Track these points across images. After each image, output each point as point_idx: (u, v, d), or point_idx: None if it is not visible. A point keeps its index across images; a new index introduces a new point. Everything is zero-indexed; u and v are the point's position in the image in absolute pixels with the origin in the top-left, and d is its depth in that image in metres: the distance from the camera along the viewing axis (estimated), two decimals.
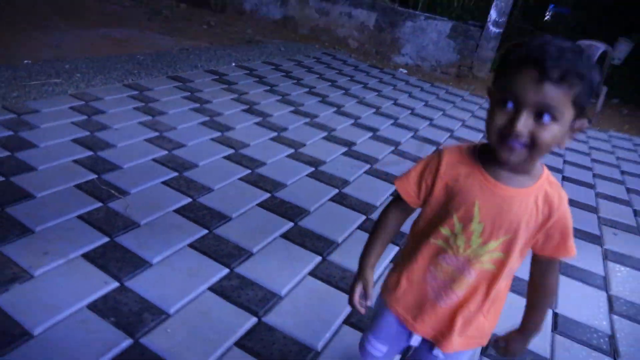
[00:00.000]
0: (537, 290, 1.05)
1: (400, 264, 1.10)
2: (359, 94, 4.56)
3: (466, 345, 1.06)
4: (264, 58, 5.19)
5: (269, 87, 4.21)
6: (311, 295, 1.77)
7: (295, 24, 7.07)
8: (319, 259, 2.00)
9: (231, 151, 2.86)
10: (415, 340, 1.12)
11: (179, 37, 5.58)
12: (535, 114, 0.81)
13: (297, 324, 1.61)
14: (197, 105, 3.46)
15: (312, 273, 1.91)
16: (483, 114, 4.87)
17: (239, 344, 1.51)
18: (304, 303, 1.72)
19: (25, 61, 3.72)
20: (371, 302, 1.14)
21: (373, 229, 1.12)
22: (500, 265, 0.97)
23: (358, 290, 1.11)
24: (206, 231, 2.02)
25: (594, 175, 3.74)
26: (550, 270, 1.02)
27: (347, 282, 1.86)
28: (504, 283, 1.02)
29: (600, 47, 5.96)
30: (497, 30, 6.06)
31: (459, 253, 0.98)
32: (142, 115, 3.11)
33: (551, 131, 0.81)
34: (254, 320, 1.61)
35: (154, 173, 2.41)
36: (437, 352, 1.09)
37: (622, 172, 3.96)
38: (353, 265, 1.80)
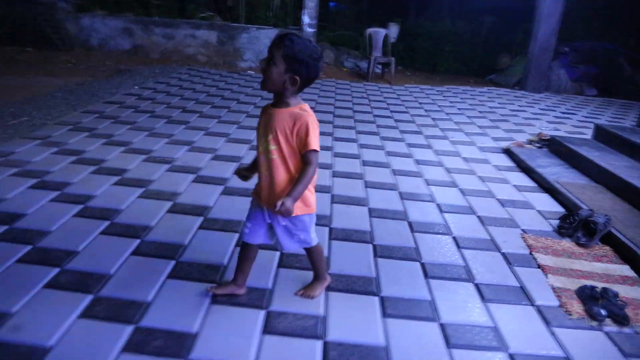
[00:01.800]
0: (300, 172, 1.69)
1: None
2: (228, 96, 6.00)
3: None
4: (153, 79, 6.23)
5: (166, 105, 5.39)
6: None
7: (146, 51, 8.06)
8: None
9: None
10: (268, 216, 1.78)
11: (61, 76, 6.24)
12: (268, 62, 1.62)
13: None
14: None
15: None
16: (326, 85, 6.74)
17: None
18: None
19: None
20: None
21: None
22: (279, 153, 1.67)
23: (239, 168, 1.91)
24: None
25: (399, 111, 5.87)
26: (305, 161, 1.68)
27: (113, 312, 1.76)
28: (282, 168, 1.69)
29: (381, 31, 8.39)
30: (312, 30, 8.05)
31: (260, 151, 1.71)
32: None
33: (271, 71, 1.60)
34: None
35: None
36: (274, 218, 1.76)
37: (421, 104, 6.21)
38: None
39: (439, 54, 10.69)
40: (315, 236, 1.89)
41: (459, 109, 6.29)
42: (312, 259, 1.97)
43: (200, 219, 2.59)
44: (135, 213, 2.59)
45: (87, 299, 1.84)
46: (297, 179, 1.67)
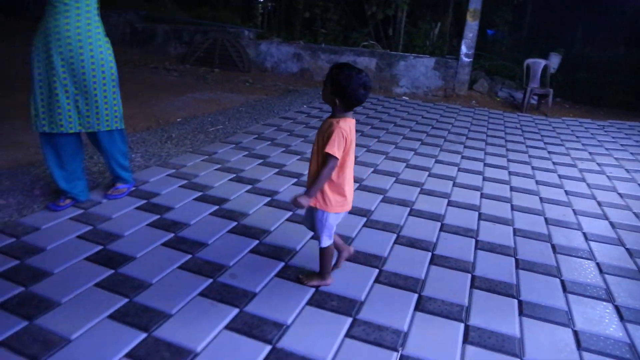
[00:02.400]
0: (318, 172, 2.04)
1: None
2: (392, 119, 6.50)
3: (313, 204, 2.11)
4: (319, 100, 7.05)
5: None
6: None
7: (311, 74, 9.03)
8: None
9: None
10: None
11: (242, 93, 7.39)
12: (324, 83, 2.06)
13: None
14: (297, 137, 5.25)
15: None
16: (478, 114, 6.92)
17: None
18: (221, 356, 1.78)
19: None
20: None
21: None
22: (315, 150, 2.08)
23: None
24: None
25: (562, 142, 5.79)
26: (322, 162, 2.02)
27: (262, 330, 1.93)
28: (314, 164, 2.08)
29: (541, 62, 8.27)
30: (468, 60, 8.26)
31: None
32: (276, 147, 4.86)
33: (324, 91, 2.04)
34: None
35: None
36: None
37: (578, 137, 6.06)
38: (273, 315, 2.01)
39: (604, 85, 10.07)
40: (328, 239, 2.16)
41: (621, 145, 6.01)
42: (320, 257, 2.22)
43: (391, 236, 3.07)
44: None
45: (234, 311, 2.05)
46: (316, 178, 2.02)
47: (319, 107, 6.56)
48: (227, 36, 9.34)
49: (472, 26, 8.09)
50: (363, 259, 2.55)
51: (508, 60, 10.39)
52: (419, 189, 3.71)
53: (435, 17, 9.78)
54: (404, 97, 8.25)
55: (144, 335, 1.85)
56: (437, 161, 4.50)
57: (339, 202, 2.11)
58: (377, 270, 2.44)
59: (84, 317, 1.91)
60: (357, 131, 5.37)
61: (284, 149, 4.51)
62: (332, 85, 1.99)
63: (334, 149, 1.96)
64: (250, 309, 2.06)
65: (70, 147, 2.91)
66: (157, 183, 3.39)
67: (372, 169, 4.14)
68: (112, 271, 2.26)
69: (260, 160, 4.10)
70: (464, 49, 8.20)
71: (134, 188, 3.23)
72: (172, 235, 2.66)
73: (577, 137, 6.28)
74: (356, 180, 3.83)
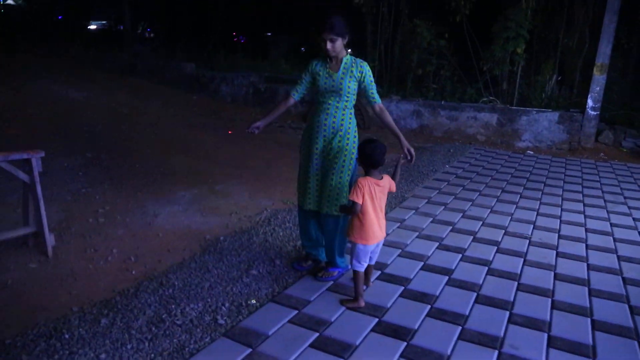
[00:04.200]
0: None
1: None
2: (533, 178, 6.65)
3: None
4: (456, 158, 7.35)
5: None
6: None
7: (430, 130, 9.40)
8: None
9: None
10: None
11: None
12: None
13: None
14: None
15: None
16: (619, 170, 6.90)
17: None
18: None
19: None
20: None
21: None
22: None
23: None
24: None
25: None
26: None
27: None
28: None
29: None
30: (594, 113, 8.30)
31: None
32: None
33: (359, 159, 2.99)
34: None
35: None
36: None
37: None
38: None
39: None
40: (359, 265, 2.89)
41: None
42: (354, 280, 2.94)
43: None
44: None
45: None
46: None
47: (461, 167, 6.85)
48: None
49: (599, 80, 8.17)
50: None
51: (620, 107, 10.24)
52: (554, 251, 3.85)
53: (548, 70, 9.90)
54: (528, 152, 8.37)
55: None
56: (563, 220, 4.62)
57: (364, 237, 2.85)
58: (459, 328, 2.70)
59: None
60: (496, 188, 5.41)
61: (458, 214, 4.81)
62: (360, 155, 2.93)
63: (354, 195, 2.78)
64: None
65: (317, 221, 3.38)
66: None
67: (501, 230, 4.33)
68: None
69: (449, 227, 4.41)
70: (590, 102, 8.26)
71: (344, 272, 3.35)
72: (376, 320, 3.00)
73: None
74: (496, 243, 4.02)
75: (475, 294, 3.17)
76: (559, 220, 4.72)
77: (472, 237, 4.20)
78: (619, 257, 3.89)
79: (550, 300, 3.13)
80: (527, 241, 4.15)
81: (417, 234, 4.23)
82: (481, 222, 4.58)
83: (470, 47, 10.21)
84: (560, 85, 10.20)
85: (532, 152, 8.32)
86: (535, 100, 9.48)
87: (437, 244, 4.01)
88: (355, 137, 3.21)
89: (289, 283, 3.28)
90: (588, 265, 3.72)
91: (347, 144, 3.15)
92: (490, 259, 3.75)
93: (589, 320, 2.92)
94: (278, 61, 12.61)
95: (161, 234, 4.04)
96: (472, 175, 6.40)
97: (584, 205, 5.29)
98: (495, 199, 5.35)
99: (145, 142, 7.05)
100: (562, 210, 5.07)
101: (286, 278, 3.34)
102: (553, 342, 2.67)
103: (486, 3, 10.49)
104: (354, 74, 3.12)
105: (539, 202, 5.33)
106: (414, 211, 4.85)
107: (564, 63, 10.34)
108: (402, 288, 3.22)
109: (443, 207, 5.03)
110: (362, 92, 3.23)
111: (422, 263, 3.63)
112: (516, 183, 6.10)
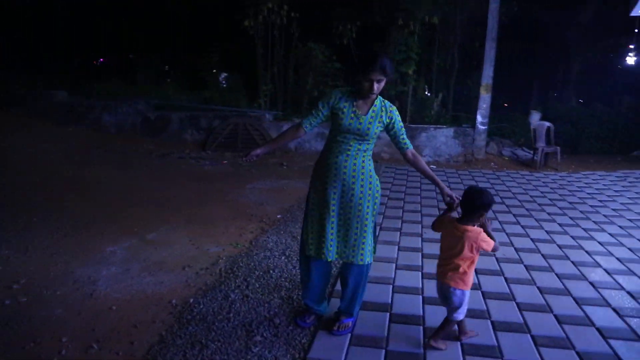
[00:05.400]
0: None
1: None
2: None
3: None
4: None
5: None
6: None
7: None
8: None
9: None
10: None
11: (293, 179, 7.58)
12: None
13: None
14: None
15: None
16: (505, 176, 7.59)
17: None
18: None
19: None
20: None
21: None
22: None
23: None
24: None
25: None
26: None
27: None
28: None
29: (545, 124, 9.26)
30: (483, 128, 9.10)
31: None
32: None
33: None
34: None
35: None
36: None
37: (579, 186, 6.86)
38: None
39: (580, 135, 11.44)
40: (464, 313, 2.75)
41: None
42: (444, 325, 2.78)
43: None
44: None
45: None
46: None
47: (387, 187, 6.91)
48: (248, 120, 9.57)
49: (485, 98, 8.98)
50: None
51: (491, 121, 11.45)
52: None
53: (436, 88, 10.67)
54: (431, 166, 8.83)
55: None
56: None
57: (470, 283, 2.73)
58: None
59: None
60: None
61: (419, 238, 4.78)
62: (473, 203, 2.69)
63: (490, 240, 2.67)
64: None
65: (323, 272, 3.03)
66: None
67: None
68: None
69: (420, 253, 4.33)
70: (479, 118, 9.03)
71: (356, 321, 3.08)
72: None
73: (616, 191, 7.09)
74: None
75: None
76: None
77: None
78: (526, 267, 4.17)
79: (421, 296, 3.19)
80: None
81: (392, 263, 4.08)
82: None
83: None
84: (443, 103, 11.04)
85: (434, 167, 8.80)
86: (427, 117, 10.10)
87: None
88: (377, 180, 2.92)
89: (304, 345, 2.86)
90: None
91: (371, 188, 2.85)
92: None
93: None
94: (165, 86, 11.64)
95: (114, 307, 3.28)
96: (402, 196, 6.50)
97: (515, 215, 5.66)
98: None
99: (30, 187, 5.89)
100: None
101: (298, 339, 2.91)
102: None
103: (370, 27, 10.98)
104: (382, 119, 2.82)
105: None
106: None
107: (438, 82, 11.24)
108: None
109: (398, 232, 4.97)
110: (391, 138, 2.93)
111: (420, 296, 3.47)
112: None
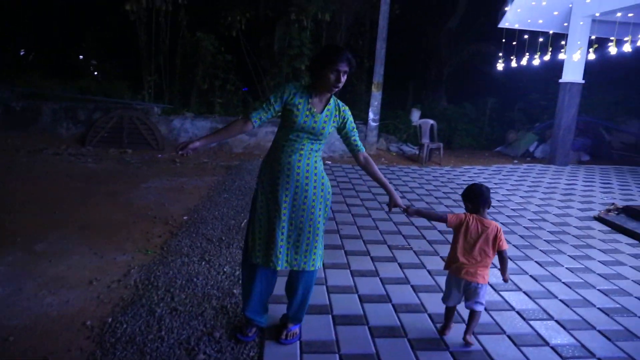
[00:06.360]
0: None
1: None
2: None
3: None
4: None
5: None
6: None
7: (230, 147, 9.10)
8: None
9: None
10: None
11: (189, 176, 7.15)
12: None
13: None
14: None
15: None
16: (399, 171, 8.01)
17: None
18: None
19: None
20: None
21: None
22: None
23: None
24: None
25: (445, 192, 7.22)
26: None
27: None
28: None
29: (429, 121, 9.92)
30: (375, 124, 9.44)
31: None
32: None
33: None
34: None
35: None
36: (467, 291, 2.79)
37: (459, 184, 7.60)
38: None
39: (453, 132, 12.51)
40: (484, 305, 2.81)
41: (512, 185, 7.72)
42: (472, 319, 2.81)
43: None
44: None
45: None
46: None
47: None
48: (134, 113, 8.79)
49: (376, 96, 9.32)
50: None
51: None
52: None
53: None
54: (327, 162, 8.95)
55: None
56: None
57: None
58: None
59: None
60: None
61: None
62: (472, 195, 2.82)
63: (451, 214, 2.83)
64: None
65: (269, 281, 2.84)
66: None
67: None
68: None
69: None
70: (371, 115, 9.36)
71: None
72: None
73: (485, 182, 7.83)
74: None
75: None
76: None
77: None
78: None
79: (356, 294, 3.38)
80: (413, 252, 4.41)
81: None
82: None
83: (249, 62, 10.32)
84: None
85: (330, 162, 8.92)
86: None
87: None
88: (328, 180, 2.76)
89: (253, 358, 2.65)
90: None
91: (323, 190, 2.69)
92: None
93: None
94: (30, 73, 10.13)
95: (12, 337, 2.74)
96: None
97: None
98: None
99: None
100: None
101: (245, 352, 2.69)
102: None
103: (260, 20, 10.79)
104: (337, 118, 2.68)
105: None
106: None
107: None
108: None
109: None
110: (343, 139, 2.80)
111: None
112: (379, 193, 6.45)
